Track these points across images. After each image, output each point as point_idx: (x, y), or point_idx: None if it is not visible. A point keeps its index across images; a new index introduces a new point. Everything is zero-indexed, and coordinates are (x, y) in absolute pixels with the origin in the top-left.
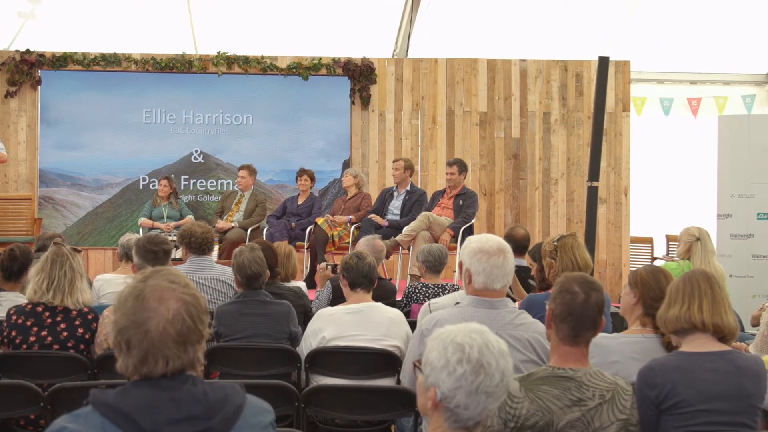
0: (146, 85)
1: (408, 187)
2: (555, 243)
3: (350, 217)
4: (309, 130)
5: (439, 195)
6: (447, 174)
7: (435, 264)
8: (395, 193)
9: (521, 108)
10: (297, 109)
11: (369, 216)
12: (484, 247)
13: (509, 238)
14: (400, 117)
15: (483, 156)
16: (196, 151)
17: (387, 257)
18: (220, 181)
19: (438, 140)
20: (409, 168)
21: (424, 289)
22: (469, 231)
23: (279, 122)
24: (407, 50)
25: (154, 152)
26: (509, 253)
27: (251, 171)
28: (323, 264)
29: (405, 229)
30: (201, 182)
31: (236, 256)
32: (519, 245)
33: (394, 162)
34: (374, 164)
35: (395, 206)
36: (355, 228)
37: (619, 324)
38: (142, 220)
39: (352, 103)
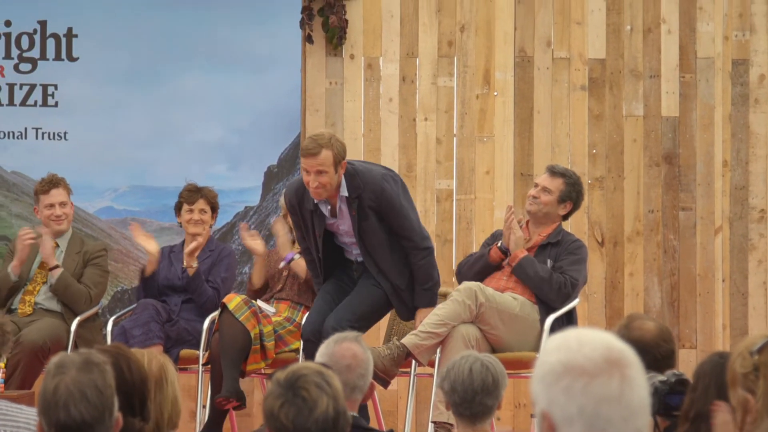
0: None
1: (344, 191)
2: (755, 355)
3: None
4: (200, 102)
5: (497, 243)
6: (535, 188)
7: (470, 402)
8: (323, 205)
9: (683, 51)
10: (173, 53)
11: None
12: (573, 359)
13: (629, 345)
14: (412, 72)
15: (596, 158)
16: None
17: (384, 383)
18: None
19: (497, 122)
20: (341, 157)
21: None
22: (567, 321)
23: (128, 82)
24: None
25: None
26: (632, 367)
27: (69, 189)
28: None
29: (426, 320)
30: None
31: (46, 383)
32: (649, 356)
33: (303, 154)
34: None
35: (344, 232)
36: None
37: None
38: None
39: (308, 40)
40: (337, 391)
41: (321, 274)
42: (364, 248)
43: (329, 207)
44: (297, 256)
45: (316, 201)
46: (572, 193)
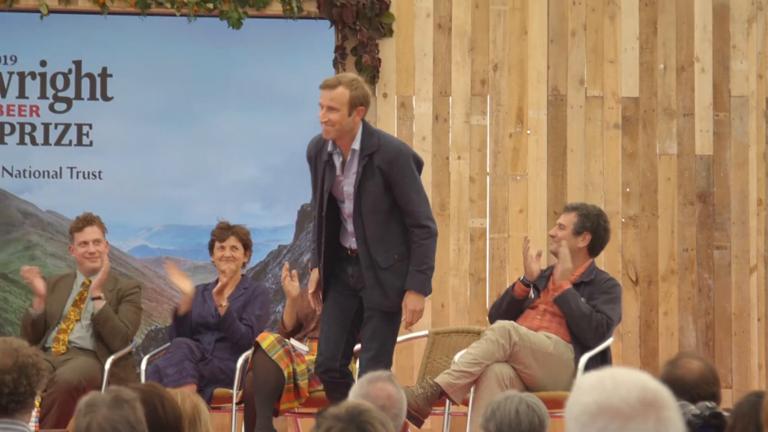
0: None
1: (357, 144)
2: None
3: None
4: (234, 141)
5: (539, 281)
6: (556, 226)
7: None
8: (336, 156)
9: (716, 89)
10: (207, 92)
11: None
12: (609, 400)
13: (671, 381)
14: (445, 110)
15: (630, 197)
16: None
17: (417, 422)
18: (31, 252)
19: (530, 160)
20: (359, 101)
21: None
22: (602, 360)
23: (162, 122)
24: None
25: None
26: (668, 409)
27: (103, 228)
28: None
29: (458, 359)
30: None
31: (78, 422)
32: (687, 397)
33: (321, 86)
34: None
35: (346, 191)
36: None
37: None
38: None
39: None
40: (391, 431)
41: (323, 244)
42: (359, 210)
43: (341, 159)
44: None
45: (330, 148)
46: (586, 223)
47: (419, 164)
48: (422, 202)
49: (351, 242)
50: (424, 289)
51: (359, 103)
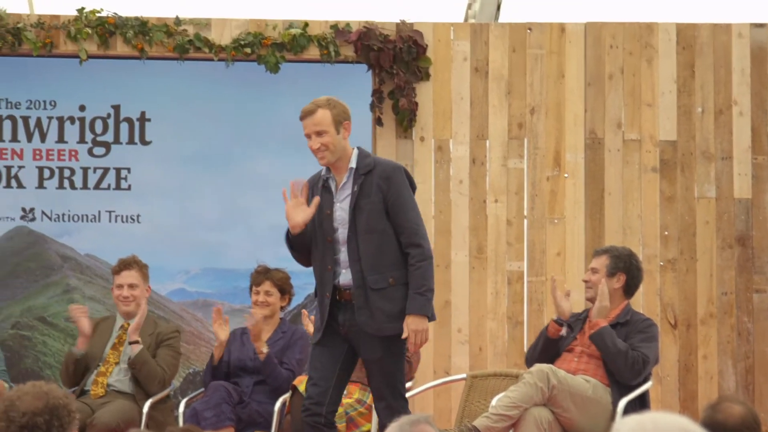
0: None
1: (353, 163)
2: None
3: None
4: (271, 184)
5: (574, 324)
6: (587, 272)
7: None
8: (331, 181)
9: (755, 133)
10: (245, 136)
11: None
12: None
13: (712, 426)
14: (482, 153)
15: (668, 240)
16: (19, 222)
17: None
18: (70, 296)
19: (568, 204)
20: (342, 117)
21: None
22: (640, 404)
23: (200, 165)
24: (498, 7)
25: None
26: None
27: (143, 273)
28: None
29: (496, 402)
30: (31, 299)
31: None
32: None
33: (301, 117)
34: None
35: (339, 217)
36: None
37: None
38: None
39: (378, 123)
40: None
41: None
42: (354, 229)
43: (335, 184)
44: None
45: (324, 174)
46: (619, 264)
47: (413, 184)
48: (417, 220)
49: (342, 276)
50: (425, 311)
51: (343, 119)
